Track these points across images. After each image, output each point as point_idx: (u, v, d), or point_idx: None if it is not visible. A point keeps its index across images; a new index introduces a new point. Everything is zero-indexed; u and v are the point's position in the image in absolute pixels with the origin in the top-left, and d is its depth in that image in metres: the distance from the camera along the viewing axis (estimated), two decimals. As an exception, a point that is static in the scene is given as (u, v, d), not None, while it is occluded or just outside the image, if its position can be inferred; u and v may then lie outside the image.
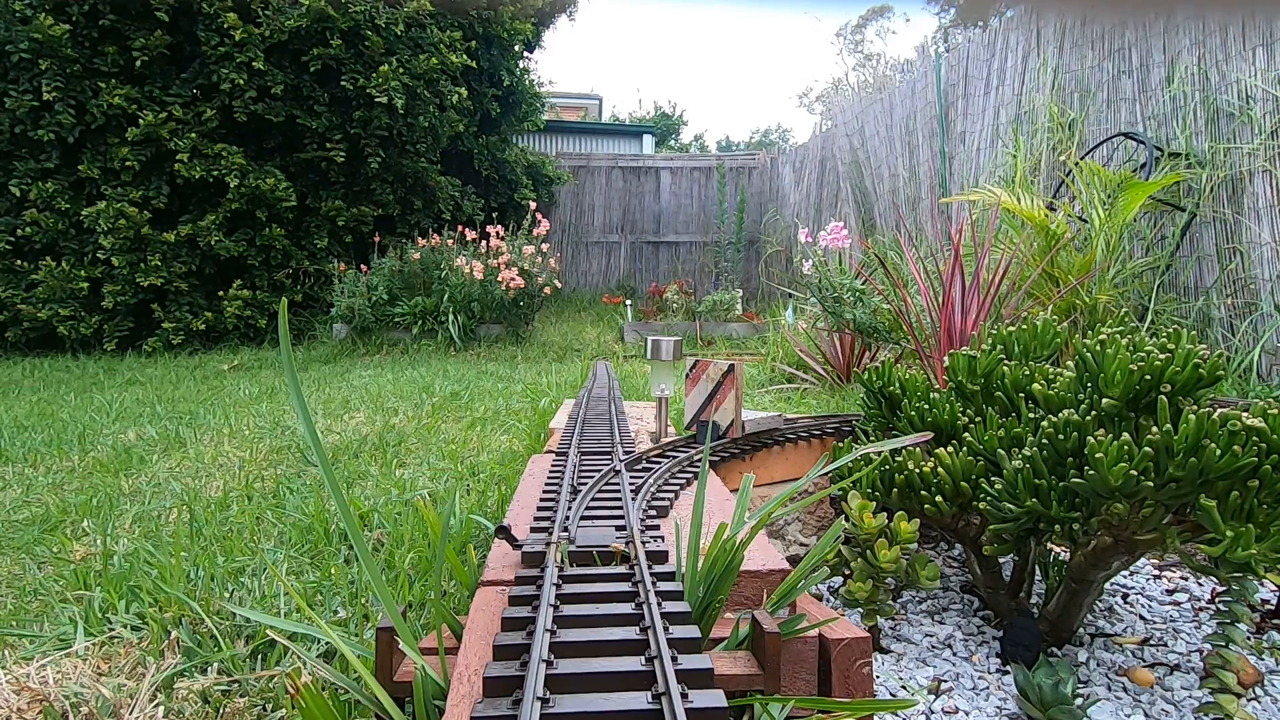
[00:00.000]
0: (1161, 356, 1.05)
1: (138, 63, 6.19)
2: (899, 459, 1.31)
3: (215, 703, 0.91)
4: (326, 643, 1.01)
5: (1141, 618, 1.43)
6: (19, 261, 6.19)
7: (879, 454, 1.27)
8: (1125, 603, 1.49)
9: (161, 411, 3.30)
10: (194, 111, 6.42)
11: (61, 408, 3.51)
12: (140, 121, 6.13)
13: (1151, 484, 0.97)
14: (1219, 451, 0.94)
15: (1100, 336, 1.12)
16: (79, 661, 0.97)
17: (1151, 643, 1.32)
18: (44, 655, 0.99)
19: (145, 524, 1.65)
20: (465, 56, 7.13)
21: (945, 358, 1.51)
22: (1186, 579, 1.59)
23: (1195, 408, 0.99)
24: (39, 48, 5.90)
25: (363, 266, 6.73)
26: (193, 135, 6.26)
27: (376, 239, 7.09)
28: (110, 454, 2.41)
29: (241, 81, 6.32)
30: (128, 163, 6.17)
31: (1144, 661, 1.25)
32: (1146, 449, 0.96)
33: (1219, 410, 0.98)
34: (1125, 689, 1.17)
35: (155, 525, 1.64)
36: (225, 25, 6.20)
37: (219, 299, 6.62)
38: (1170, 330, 1.13)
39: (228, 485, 1.97)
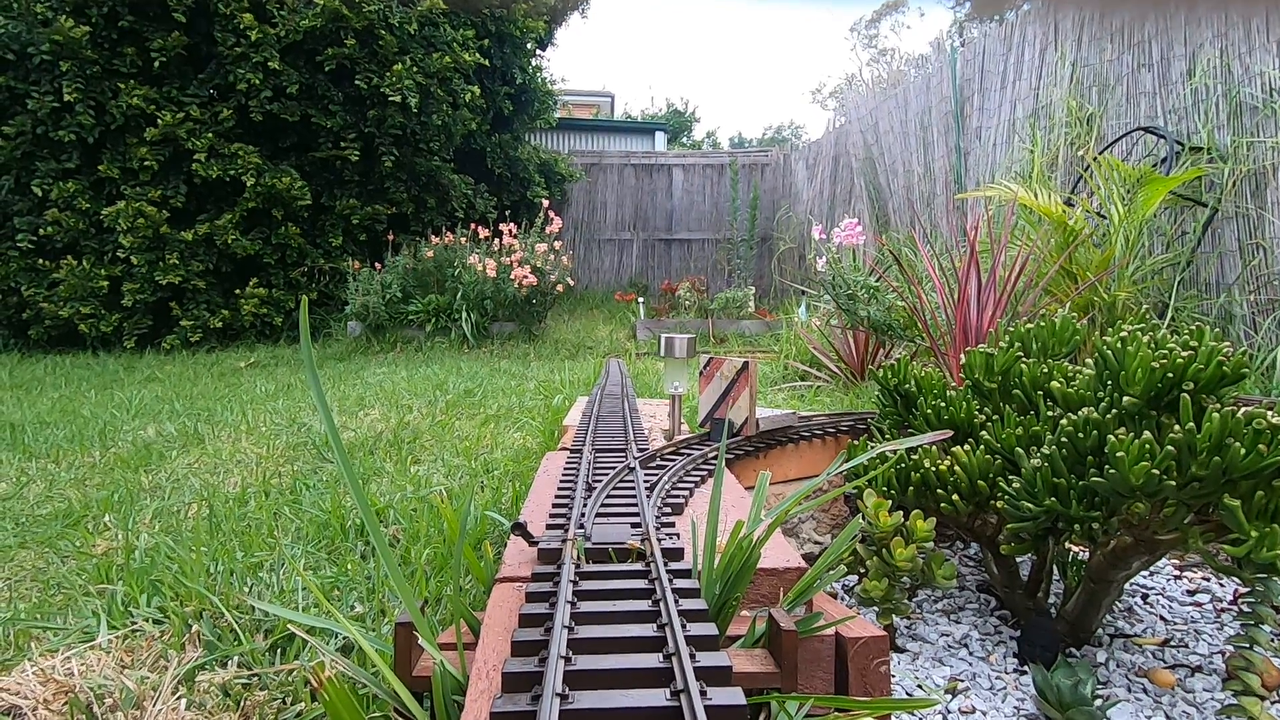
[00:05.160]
0: (1184, 354, 1.03)
1: (156, 64, 6.25)
2: (915, 457, 1.30)
3: (235, 696, 0.92)
4: (343, 637, 1.02)
5: (1162, 618, 1.41)
6: (41, 260, 6.28)
7: (895, 452, 1.26)
8: (1145, 603, 1.47)
9: (180, 408, 3.34)
10: (211, 111, 6.49)
11: (82, 404, 3.56)
12: (159, 122, 6.19)
13: (1174, 483, 0.96)
14: (1243, 450, 0.92)
15: (1121, 334, 1.11)
16: (102, 654, 0.98)
17: (1172, 644, 1.30)
18: (68, 648, 1.00)
19: (165, 519, 1.68)
20: (478, 55, 7.15)
21: (961, 355, 1.50)
22: (1208, 579, 1.57)
23: (1219, 406, 0.97)
24: (59, 49, 5.97)
25: (377, 265, 6.77)
26: (210, 135, 6.33)
27: (390, 237, 7.13)
28: (130, 450, 2.44)
29: (257, 81, 6.37)
30: (146, 162, 6.24)
31: (1164, 663, 1.24)
32: (1169, 448, 0.95)
33: (1243, 409, 0.96)
34: (1145, 690, 1.16)
35: (175, 520, 1.66)
36: (241, 26, 6.26)
37: (236, 297, 6.69)
38: (1193, 327, 1.11)
39: (245, 481, 1.99)
